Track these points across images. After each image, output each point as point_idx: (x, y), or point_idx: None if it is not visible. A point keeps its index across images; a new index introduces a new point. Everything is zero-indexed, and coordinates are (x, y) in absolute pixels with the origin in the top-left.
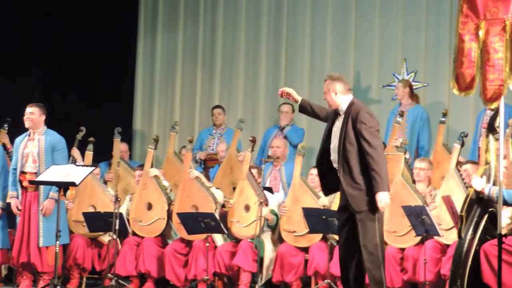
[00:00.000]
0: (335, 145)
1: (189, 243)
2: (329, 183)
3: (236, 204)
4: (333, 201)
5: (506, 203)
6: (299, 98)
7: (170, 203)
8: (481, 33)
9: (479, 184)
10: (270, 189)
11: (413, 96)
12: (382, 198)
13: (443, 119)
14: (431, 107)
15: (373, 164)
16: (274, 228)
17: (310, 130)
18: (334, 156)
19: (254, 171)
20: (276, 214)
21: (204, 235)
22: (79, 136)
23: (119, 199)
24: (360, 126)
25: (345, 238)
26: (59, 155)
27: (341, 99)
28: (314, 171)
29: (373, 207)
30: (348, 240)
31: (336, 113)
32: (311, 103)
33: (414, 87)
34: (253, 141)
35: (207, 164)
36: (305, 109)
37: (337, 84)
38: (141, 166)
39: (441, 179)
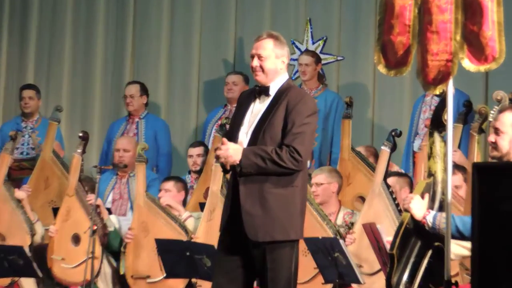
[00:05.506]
0: (244, 135)
1: None
2: None
3: (61, 232)
4: (204, 221)
5: (459, 236)
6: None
7: None
8: None
9: (419, 210)
10: (108, 211)
11: (320, 76)
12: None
13: (348, 111)
14: (348, 91)
15: (278, 158)
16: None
17: (183, 125)
18: None
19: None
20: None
21: (8, 280)
22: None
23: None
24: (297, 119)
25: (230, 279)
26: None
27: (282, 74)
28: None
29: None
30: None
31: (259, 92)
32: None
33: (323, 62)
34: (84, 137)
35: (15, 175)
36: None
37: (287, 51)
38: None
39: (357, 199)
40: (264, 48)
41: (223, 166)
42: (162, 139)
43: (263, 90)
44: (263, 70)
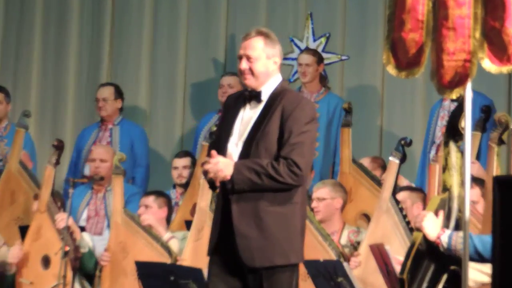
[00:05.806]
0: (233, 147)
1: None
2: None
3: (30, 253)
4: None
5: (478, 258)
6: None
7: None
8: None
9: (433, 229)
10: (82, 230)
11: (322, 78)
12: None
13: (347, 118)
14: (353, 95)
15: (274, 173)
16: None
17: (167, 132)
18: None
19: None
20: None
21: None
22: None
23: None
24: (294, 127)
25: None
26: None
27: (274, 76)
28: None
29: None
30: None
31: (249, 97)
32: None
33: (325, 62)
34: (59, 146)
35: None
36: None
37: (279, 49)
38: None
39: (360, 217)
40: (254, 48)
41: (211, 182)
42: (139, 148)
43: (253, 95)
44: (252, 73)
